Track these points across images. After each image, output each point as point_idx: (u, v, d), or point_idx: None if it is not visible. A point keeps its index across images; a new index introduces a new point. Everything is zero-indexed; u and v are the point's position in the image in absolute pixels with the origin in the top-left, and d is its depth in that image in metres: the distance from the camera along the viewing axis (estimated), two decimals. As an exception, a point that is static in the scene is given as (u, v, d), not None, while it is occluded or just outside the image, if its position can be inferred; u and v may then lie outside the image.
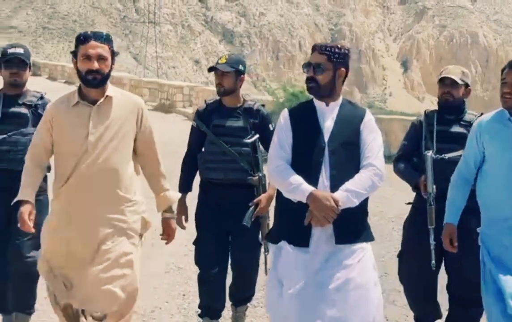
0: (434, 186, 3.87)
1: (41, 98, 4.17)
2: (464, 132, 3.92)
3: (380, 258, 5.98)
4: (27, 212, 3.37)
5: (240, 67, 4.16)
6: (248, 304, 4.52)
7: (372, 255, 3.30)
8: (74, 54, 3.40)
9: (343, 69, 3.28)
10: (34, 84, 4.77)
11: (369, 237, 3.31)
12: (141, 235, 3.60)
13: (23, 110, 4.10)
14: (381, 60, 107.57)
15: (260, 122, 4.17)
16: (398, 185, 5.59)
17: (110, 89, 3.46)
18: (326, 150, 3.20)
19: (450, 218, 3.59)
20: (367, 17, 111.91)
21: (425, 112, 4.22)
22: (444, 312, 4.21)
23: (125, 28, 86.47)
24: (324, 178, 3.17)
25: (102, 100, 3.41)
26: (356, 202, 3.14)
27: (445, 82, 4.07)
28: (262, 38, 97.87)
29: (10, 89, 4.13)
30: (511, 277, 3.23)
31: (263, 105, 4.29)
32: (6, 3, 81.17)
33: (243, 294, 4.41)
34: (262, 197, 4.09)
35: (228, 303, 4.39)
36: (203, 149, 4.21)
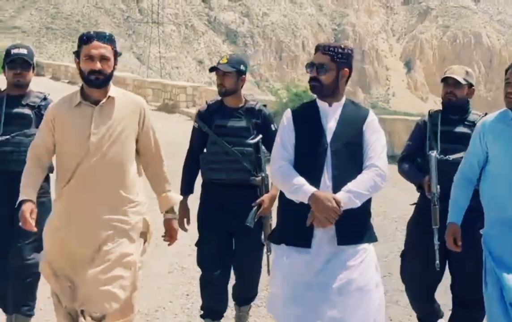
0: (438, 186, 3.85)
1: (44, 99, 4.15)
2: (468, 132, 3.90)
3: (383, 258, 5.97)
4: (28, 211, 3.34)
5: (242, 67, 4.15)
6: (252, 304, 4.52)
7: (374, 255, 3.28)
8: (77, 54, 3.40)
9: (346, 69, 3.27)
10: (37, 84, 4.76)
11: (371, 238, 3.29)
12: (145, 236, 3.60)
13: (27, 111, 4.08)
14: (384, 60, 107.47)
15: (262, 122, 4.16)
16: (401, 185, 5.59)
17: (113, 90, 3.46)
18: (329, 151, 3.19)
19: (454, 217, 3.59)
20: (370, 17, 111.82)
21: (429, 112, 4.21)
22: (448, 312, 4.20)
23: (129, 28, 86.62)
24: (326, 178, 3.16)
25: (104, 100, 3.40)
26: (358, 203, 3.12)
27: (448, 82, 4.06)
28: (265, 38, 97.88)
29: (13, 90, 4.11)
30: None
31: (264, 105, 4.28)
32: (10, 4, 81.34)
33: (246, 295, 4.41)
34: (265, 197, 4.09)
35: (231, 303, 4.39)
36: (205, 150, 4.20)
